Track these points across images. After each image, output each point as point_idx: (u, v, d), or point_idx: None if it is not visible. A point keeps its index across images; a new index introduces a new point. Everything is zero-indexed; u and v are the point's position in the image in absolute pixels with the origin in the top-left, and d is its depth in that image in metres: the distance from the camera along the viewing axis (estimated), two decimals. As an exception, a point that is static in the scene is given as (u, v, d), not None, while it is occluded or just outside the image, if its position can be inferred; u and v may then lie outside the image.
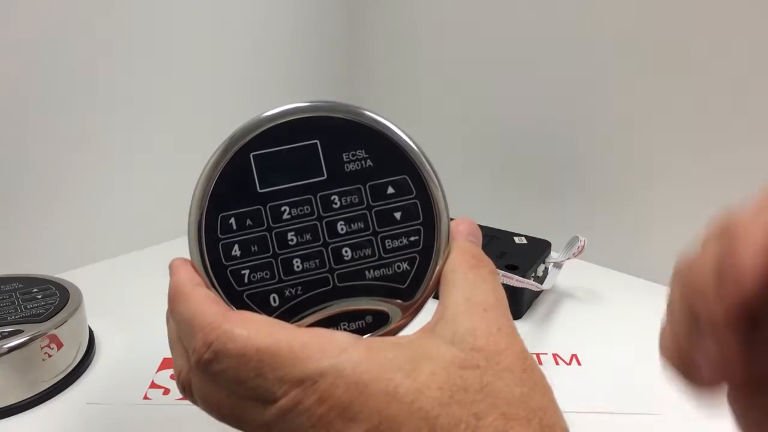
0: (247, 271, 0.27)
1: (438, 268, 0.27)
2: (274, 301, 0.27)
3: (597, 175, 0.55)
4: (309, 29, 0.67)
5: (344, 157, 0.28)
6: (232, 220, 0.28)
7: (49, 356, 0.36)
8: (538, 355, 0.40)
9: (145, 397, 0.36)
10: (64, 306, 0.38)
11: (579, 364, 0.40)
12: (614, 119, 0.53)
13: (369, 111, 0.28)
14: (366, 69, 0.71)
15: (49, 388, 0.36)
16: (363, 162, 0.28)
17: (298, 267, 0.28)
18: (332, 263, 0.28)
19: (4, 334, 0.34)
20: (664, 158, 0.51)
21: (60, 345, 0.36)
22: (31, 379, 0.35)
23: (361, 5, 0.69)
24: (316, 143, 0.28)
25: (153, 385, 0.37)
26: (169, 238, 0.59)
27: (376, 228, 0.28)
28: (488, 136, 0.62)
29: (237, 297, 0.27)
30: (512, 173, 0.61)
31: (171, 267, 0.27)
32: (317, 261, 0.28)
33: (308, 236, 0.28)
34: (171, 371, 0.38)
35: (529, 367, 0.21)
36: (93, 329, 0.42)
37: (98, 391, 0.37)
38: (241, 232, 0.28)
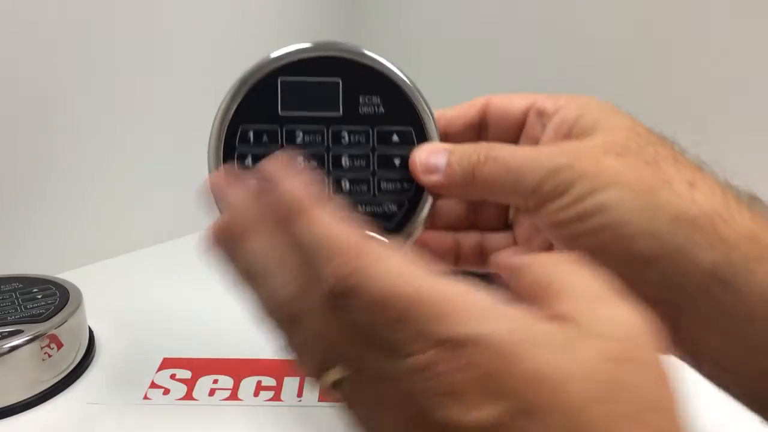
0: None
1: (423, 215, 0.30)
2: None
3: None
4: (310, 25, 0.67)
5: (360, 99, 0.30)
6: (251, 134, 0.30)
7: (49, 356, 0.36)
8: (538, 355, 0.40)
9: (145, 397, 0.36)
10: (64, 306, 0.38)
11: (579, 364, 0.40)
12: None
13: (393, 65, 0.30)
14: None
15: (49, 388, 0.36)
16: (376, 108, 0.30)
17: None
18: (331, 191, 0.29)
19: (4, 334, 0.34)
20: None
21: (60, 345, 0.36)
22: (31, 379, 0.35)
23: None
24: (338, 82, 0.30)
25: (153, 385, 0.37)
26: (169, 238, 0.59)
27: (376, 169, 0.30)
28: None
29: None
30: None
31: (272, 172, 0.24)
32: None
33: (315, 163, 0.29)
34: (171, 371, 0.38)
35: (668, 368, 0.20)
36: (93, 329, 0.42)
37: (98, 391, 0.37)
38: (256, 146, 0.29)
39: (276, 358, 0.40)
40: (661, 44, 0.49)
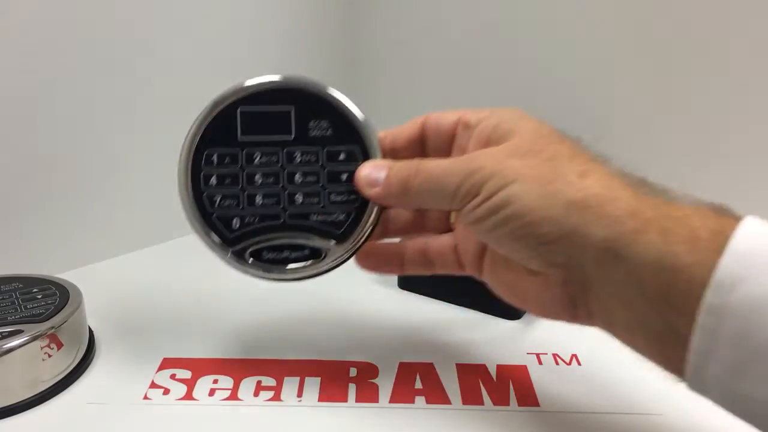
0: (218, 197, 0.34)
1: (368, 223, 0.34)
2: (236, 224, 0.34)
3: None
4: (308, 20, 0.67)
5: (310, 124, 0.34)
6: (215, 157, 0.34)
7: (49, 356, 0.36)
8: (538, 355, 0.40)
9: (145, 397, 0.36)
10: (64, 306, 0.38)
11: (579, 364, 0.40)
12: (616, 117, 0.53)
13: (338, 92, 0.35)
14: (366, 65, 0.71)
15: (49, 388, 0.36)
16: (325, 131, 0.35)
17: (259, 201, 0.34)
18: (286, 203, 0.34)
19: (4, 334, 0.34)
20: (662, 161, 0.51)
21: (60, 345, 0.36)
22: (31, 379, 0.35)
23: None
24: (291, 109, 0.34)
25: (153, 385, 0.37)
26: (169, 239, 0.59)
27: (326, 184, 0.34)
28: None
29: (208, 216, 0.34)
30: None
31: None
32: (275, 199, 0.34)
33: (271, 179, 0.34)
34: (171, 371, 0.38)
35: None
36: (93, 329, 0.42)
37: (98, 391, 0.37)
38: (219, 167, 0.34)
39: (276, 358, 0.40)
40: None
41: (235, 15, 0.59)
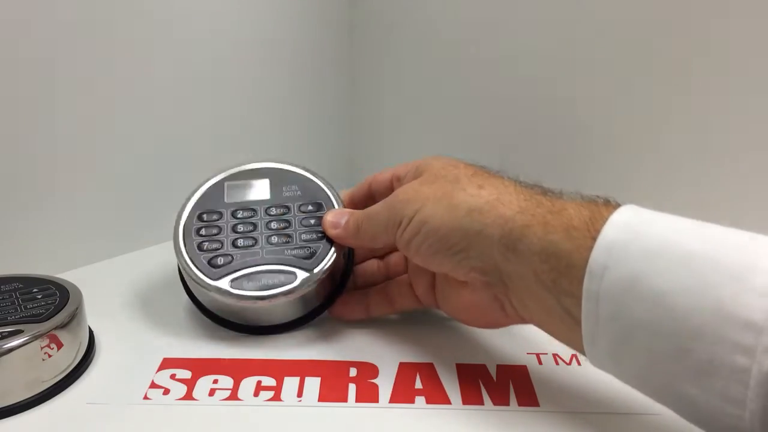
0: (207, 243, 0.42)
1: (332, 252, 0.41)
2: (220, 261, 0.41)
3: (595, 174, 0.55)
4: (310, 29, 0.67)
5: (284, 188, 0.45)
6: (205, 215, 0.43)
7: (49, 356, 0.36)
8: (538, 355, 0.40)
9: (145, 397, 0.36)
10: (64, 306, 0.38)
11: (579, 364, 0.40)
12: (615, 118, 0.53)
13: (304, 168, 0.46)
14: (367, 72, 0.71)
15: (49, 388, 0.36)
16: (295, 192, 0.45)
17: (240, 244, 0.42)
18: (263, 243, 0.42)
19: (4, 334, 0.34)
20: (661, 161, 0.51)
21: (60, 345, 0.36)
22: (31, 379, 0.35)
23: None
24: (268, 180, 0.45)
25: (153, 385, 0.37)
26: (170, 239, 0.58)
27: (297, 227, 0.43)
28: (487, 139, 0.62)
29: (197, 257, 0.41)
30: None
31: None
32: (254, 241, 0.42)
33: (251, 228, 0.43)
34: (171, 371, 0.38)
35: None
36: (93, 329, 0.42)
37: (98, 391, 0.37)
38: (208, 222, 0.43)
39: (276, 358, 0.40)
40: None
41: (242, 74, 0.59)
